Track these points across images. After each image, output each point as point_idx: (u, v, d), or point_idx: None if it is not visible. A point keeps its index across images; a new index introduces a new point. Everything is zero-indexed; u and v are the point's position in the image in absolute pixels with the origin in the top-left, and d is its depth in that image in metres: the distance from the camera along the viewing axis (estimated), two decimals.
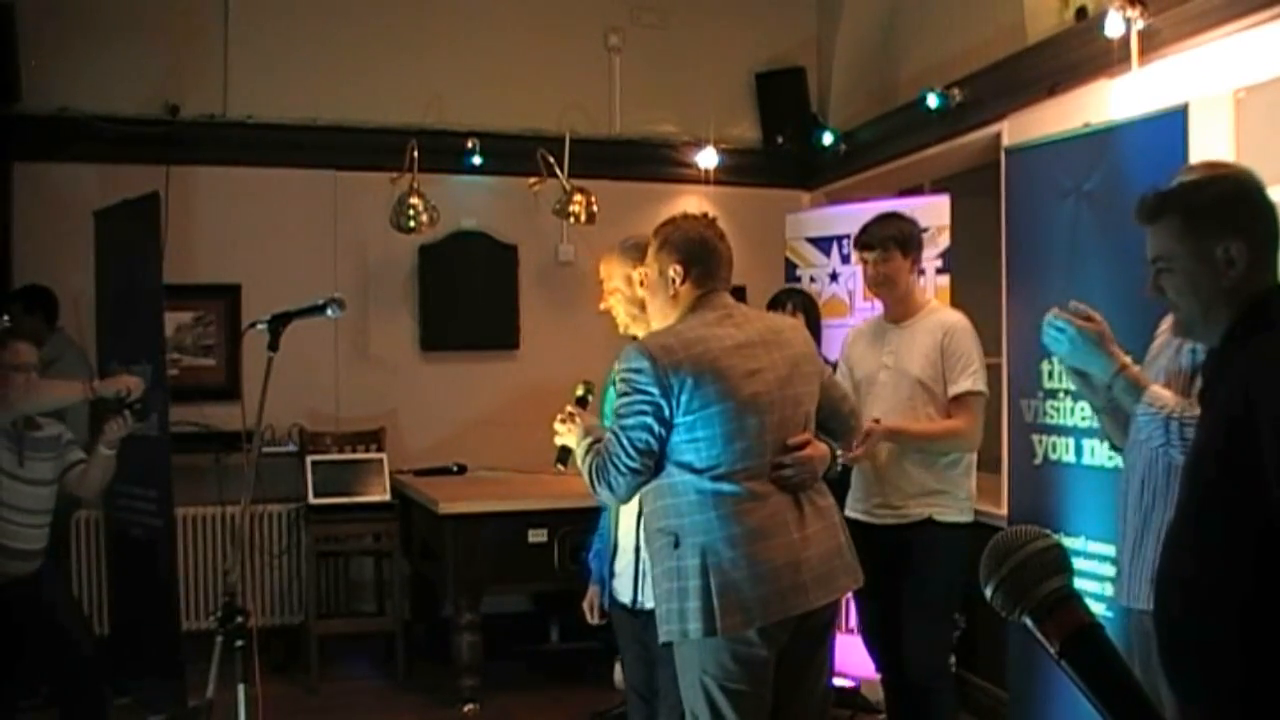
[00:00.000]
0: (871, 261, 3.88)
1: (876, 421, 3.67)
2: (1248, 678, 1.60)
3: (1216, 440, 1.75)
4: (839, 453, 2.98)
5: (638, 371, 2.74)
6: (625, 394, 2.77)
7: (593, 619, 3.42)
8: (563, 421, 2.98)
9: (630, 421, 2.75)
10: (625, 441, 2.75)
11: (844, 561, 2.89)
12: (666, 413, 2.73)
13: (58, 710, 4.25)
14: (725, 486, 2.73)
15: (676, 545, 2.75)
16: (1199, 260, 1.93)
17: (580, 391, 3.13)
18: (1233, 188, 2.00)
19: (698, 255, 2.88)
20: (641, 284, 3.01)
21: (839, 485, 2.97)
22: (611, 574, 3.19)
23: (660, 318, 2.94)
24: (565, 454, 3.00)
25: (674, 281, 2.88)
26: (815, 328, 4.63)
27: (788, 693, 2.84)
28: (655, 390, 2.72)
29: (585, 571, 3.48)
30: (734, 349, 2.79)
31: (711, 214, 3.08)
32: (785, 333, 2.94)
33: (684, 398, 2.72)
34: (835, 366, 4.16)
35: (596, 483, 2.82)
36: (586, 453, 2.87)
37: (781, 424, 2.80)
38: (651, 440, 2.74)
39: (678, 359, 2.73)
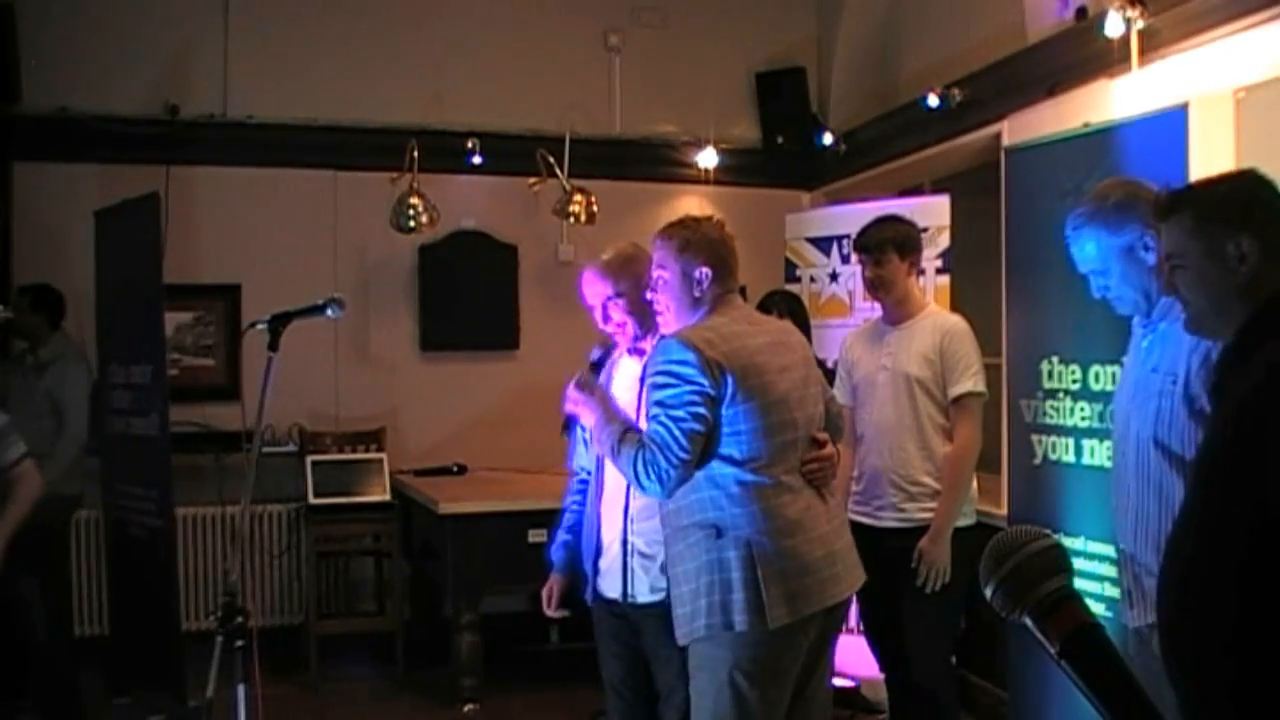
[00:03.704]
0: (869, 264, 3.88)
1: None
2: (1241, 674, 1.59)
3: (1224, 436, 1.76)
4: None
5: (683, 363, 2.74)
6: (670, 385, 2.74)
7: (550, 609, 3.38)
8: (579, 388, 2.97)
9: (681, 412, 2.72)
10: (678, 432, 2.71)
11: (855, 556, 3.00)
12: (716, 401, 2.74)
13: (34, 708, 4.21)
14: (765, 479, 2.77)
15: (719, 536, 2.76)
16: (1210, 256, 1.93)
17: (595, 356, 3.15)
18: (1245, 185, 2.00)
19: (722, 257, 2.93)
20: (651, 288, 2.97)
21: None
22: (596, 570, 3.16)
23: (679, 320, 2.93)
24: (571, 422, 3.00)
25: (700, 283, 2.89)
26: (804, 329, 4.62)
27: (799, 689, 2.87)
28: (705, 380, 2.72)
29: (550, 565, 3.43)
30: (762, 348, 2.84)
31: (713, 215, 3.09)
32: (790, 335, 3.04)
33: (728, 390, 2.74)
34: (834, 368, 4.17)
35: (644, 477, 2.75)
36: (620, 442, 2.82)
37: (808, 421, 2.89)
38: (703, 429, 2.73)
39: (720, 351, 2.76)
